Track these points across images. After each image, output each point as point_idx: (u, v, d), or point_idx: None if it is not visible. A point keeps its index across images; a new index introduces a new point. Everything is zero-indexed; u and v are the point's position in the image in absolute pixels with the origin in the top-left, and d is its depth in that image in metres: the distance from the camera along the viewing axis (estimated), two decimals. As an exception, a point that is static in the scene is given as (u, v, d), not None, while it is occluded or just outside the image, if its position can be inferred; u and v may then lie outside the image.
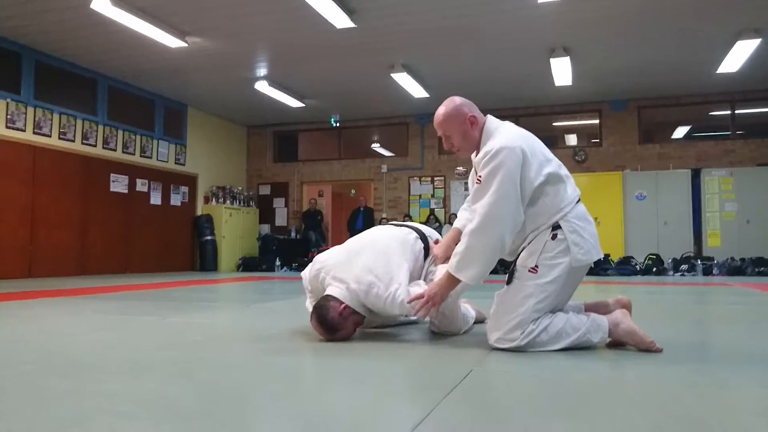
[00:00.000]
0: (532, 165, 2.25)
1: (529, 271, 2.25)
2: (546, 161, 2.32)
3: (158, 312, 3.85)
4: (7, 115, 8.08)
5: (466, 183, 11.17)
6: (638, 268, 9.87)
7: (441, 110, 2.43)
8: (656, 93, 10.85)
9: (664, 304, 4.65)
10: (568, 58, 8.61)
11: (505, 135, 2.31)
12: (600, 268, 9.89)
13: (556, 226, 2.26)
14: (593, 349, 2.26)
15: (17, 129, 8.24)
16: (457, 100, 2.44)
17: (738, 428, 1.34)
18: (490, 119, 2.44)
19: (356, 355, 2.23)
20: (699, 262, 9.75)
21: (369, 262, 2.51)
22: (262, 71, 9.61)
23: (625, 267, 9.84)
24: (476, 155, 2.42)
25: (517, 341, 2.21)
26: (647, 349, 2.22)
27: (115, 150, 9.93)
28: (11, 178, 8.14)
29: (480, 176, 2.25)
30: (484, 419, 1.41)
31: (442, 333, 2.71)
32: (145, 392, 1.67)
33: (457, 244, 2.51)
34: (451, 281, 2.27)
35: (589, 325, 2.24)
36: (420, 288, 2.43)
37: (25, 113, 8.35)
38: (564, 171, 2.39)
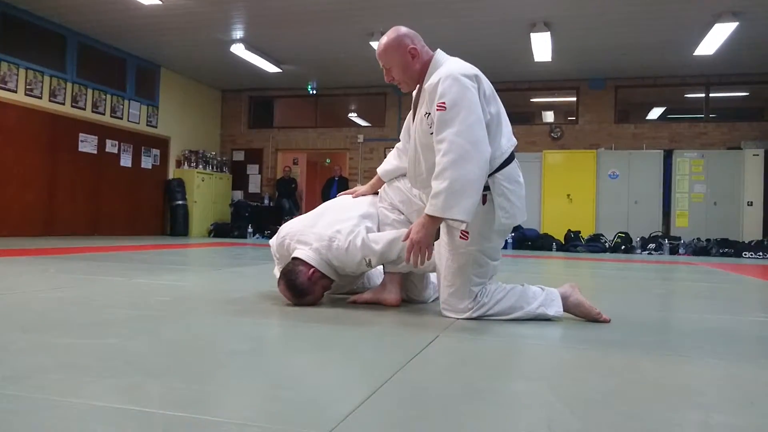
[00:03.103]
0: (486, 94, 2.16)
1: (460, 236, 2.19)
2: (493, 97, 2.21)
3: (125, 273, 3.80)
4: (-30, 67, 7.80)
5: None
6: (607, 246, 10.04)
7: (382, 40, 2.32)
8: (634, 73, 10.90)
9: (630, 280, 4.75)
10: (548, 33, 8.57)
11: (458, 63, 2.20)
12: (570, 244, 10.04)
13: (485, 187, 2.14)
14: (554, 319, 2.28)
15: (-19, 83, 7.95)
16: (402, 30, 2.32)
17: (692, 393, 1.38)
18: (440, 53, 2.31)
19: (323, 319, 2.23)
20: (666, 241, 9.95)
21: (331, 219, 2.51)
22: (238, 34, 9.39)
23: (595, 244, 10.00)
24: (417, 91, 2.34)
25: (469, 313, 2.22)
26: (595, 319, 2.27)
27: (84, 109, 9.66)
28: (-25, 134, 7.88)
29: (442, 103, 2.08)
30: (447, 381, 1.42)
31: (414, 290, 2.70)
32: (108, 348, 1.64)
33: (380, 188, 2.61)
34: (433, 223, 2.11)
35: (543, 299, 2.27)
36: (389, 233, 2.42)
37: (-10, 66, 8.06)
38: (505, 116, 2.26)
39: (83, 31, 9.37)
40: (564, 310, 2.29)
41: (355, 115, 14.29)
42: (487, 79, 2.23)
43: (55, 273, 3.68)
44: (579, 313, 2.30)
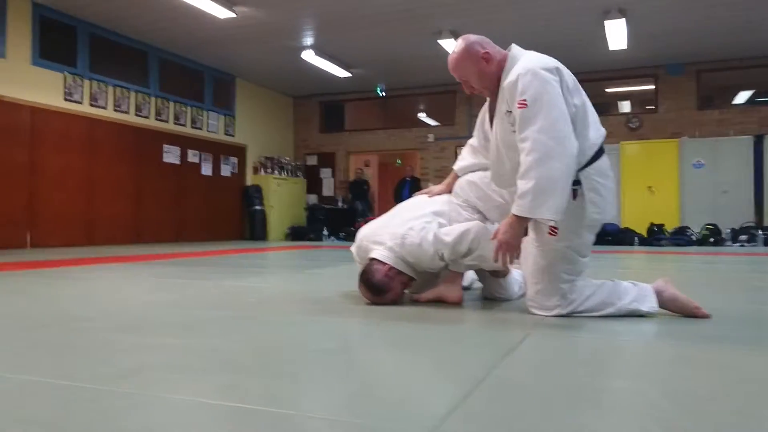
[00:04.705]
0: (569, 86, 2.09)
1: (549, 233, 2.12)
2: (576, 89, 2.13)
3: (212, 276, 3.94)
4: (65, 87, 8.32)
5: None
6: (694, 239, 9.55)
7: (453, 54, 2.25)
8: (717, 56, 10.31)
9: (723, 273, 4.49)
10: (623, 20, 8.24)
11: (537, 57, 2.14)
12: (653, 238, 9.62)
13: (576, 182, 2.05)
14: (648, 315, 2.18)
15: (74, 101, 8.47)
16: (471, 38, 2.24)
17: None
18: (515, 48, 2.22)
19: (406, 317, 2.23)
20: (760, 232, 9.35)
21: (404, 218, 2.53)
22: (308, 41, 9.58)
23: (681, 237, 9.53)
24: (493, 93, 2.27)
25: (557, 310, 2.15)
26: (692, 314, 2.15)
27: (167, 121, 10.13)
28: (70, 149, 8.40)
29: (523, 100, 2.01)
30: (544, 379, 1.38)
31: (497, 288, 2.66)
32: (202, 347, 1.70)
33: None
34: (521, 223, 2.07)
35: (636, 294, 2.17)
36: (459, 226, 2.41)
37: (82, 86, 8.58)
38: (591, 107, 2.17)
39: (163, 47, 9.83)
40: (659, 306, 2.19)
41: (425, 114, 14.26)
42: (568, 71, 2.15)
43: (147, 278, 3.86)
44: (675, 308, 2.18)
